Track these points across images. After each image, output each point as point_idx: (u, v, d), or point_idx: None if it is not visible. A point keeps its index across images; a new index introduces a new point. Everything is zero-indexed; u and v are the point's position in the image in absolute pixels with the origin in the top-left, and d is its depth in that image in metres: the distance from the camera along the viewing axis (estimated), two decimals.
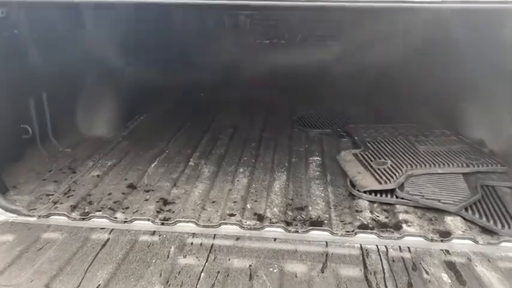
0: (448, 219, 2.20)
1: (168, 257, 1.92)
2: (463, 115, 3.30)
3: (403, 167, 2.60)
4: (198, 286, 1.73)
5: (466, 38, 3.03)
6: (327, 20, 4.31)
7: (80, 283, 1.74)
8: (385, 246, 2.00)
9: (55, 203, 2.35)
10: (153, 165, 2.85)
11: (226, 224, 2.17)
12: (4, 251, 1.94)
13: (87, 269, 1.83)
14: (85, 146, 3.14)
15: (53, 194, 2.45)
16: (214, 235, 2.08)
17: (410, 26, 3.67)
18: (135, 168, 2.79)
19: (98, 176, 2.68)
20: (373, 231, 2.11)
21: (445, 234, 2.08)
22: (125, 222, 2.20)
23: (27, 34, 2.69)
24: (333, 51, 4.59)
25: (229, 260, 1.90)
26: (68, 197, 2.43)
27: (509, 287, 1.75)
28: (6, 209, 2.28)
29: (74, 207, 2.31)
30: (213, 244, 2.01)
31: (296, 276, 1.81)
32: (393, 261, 1.90)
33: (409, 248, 1.99)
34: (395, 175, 2.50)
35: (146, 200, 2.40)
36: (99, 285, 1.73)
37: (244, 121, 3.75)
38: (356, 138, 3.18)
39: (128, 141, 3.27)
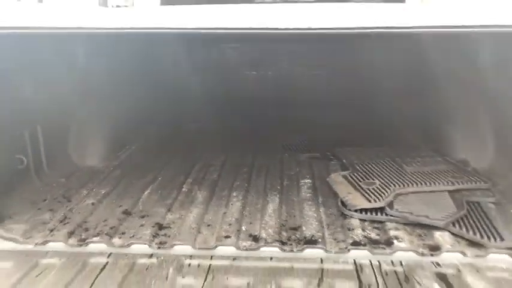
0: (437, 234, 2.27)
1: (166, 278, 1.95)
2: (447, 137, 3.43)
3: (391, 186, 2.69)
4: None
5: (445, 62, 3.17)
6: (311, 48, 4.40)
7: None
8: (378, 261, 2.06)
9: (51, 230, 2.37)
10: (146, 192, 2.88)
11: (222, 245, 2.22)
12: (3, 278, 1.95)
13: None
14: (78, 176, 3.17)
15: (49, 222, 2.46)
16: (212, 256, 2.12)
17: (388, 53, 3.78)
18: (129, 196, 2.82)
19: (92, 204, 2.71)
20: (366, 247, 2.17)
21: (435, 249, 2.15)
22: (123, 246, 2.23)
23: (19, 67, 2.67)
24: (319, 79, 4.71)
25: (227, 279, 1.94)
26: (64, 224, 2.44)
27: None
28: (3, 238, 2.29)
29: (70, 234, 2.33)
30: (210, 265, 2.04)
31: None
32: (386, 274, 1.96)
33: (401, 262, 2.05)
34: (384, 194, 2.59)
35: (142, 225, 2.43)
36: None
37: (236, 149, 3.81)
38: (344, 161, 3.28)
39: (120, 171, 3.31)
